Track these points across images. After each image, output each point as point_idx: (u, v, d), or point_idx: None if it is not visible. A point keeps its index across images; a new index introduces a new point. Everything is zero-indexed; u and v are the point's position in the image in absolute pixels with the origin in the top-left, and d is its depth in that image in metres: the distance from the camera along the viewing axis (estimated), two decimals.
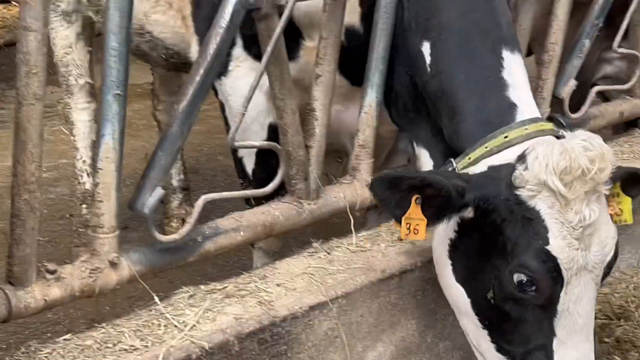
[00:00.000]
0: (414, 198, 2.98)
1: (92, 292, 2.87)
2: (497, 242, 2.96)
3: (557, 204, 2.87)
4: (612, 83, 4.82)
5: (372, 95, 3.50)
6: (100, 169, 2.84)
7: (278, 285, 3.21)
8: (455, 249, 3.13)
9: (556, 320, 2.92)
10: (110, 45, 2.73)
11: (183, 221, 4.80)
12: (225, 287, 3.16)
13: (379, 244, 3.53)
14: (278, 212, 3.37)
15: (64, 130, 6.24)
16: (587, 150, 2.86)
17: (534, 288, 2.88)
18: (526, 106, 3.21)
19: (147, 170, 2.98)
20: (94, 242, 2.89)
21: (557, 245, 2.86)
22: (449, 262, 3.15)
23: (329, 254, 3.43)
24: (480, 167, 3.09)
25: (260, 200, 3.52)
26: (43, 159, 2.69)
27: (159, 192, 2.96)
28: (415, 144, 3.47)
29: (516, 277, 2.89)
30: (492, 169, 3.05)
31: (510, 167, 2.97)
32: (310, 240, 3.52)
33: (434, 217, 3.02)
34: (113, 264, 2.89)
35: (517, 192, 2.90)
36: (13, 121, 2.63)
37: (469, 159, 3.12)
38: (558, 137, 3.03)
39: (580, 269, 2.89)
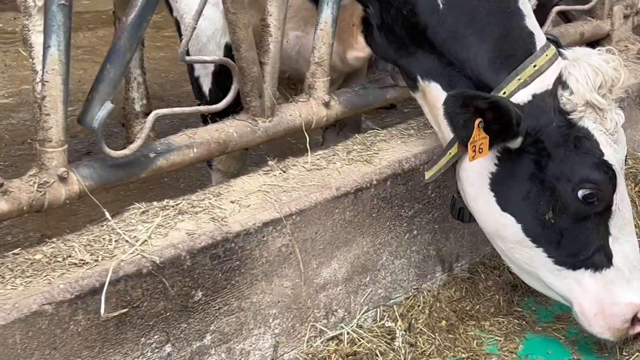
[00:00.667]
0: (477, 122, 3.06)
1: (40, 207, 2.83)
2: (552, 166, 3.16)
3: (597, 117, 3.13)
4: (573, 3, 4.77)
5: (327, 12, 3.43)
6: (46, 81, 2.78)
7: (232, 202, 3.18)
8: (498, 181, 3.25)
9: (610, 220, 3.21)
10: None
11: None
12: (178, 203, 3.13)
13: (335, 162, 3.50)
14: (232, 129, 3.32)
15: (25, 56, 6.14)
16: (608, 62, 3.13)
17: (596, 198, 3.14)
18: (539, 33, 3.33)
19: (96, 83, 2.93)
20: (42, 156, 2.84)
21: (609, 153, 3.14)
22: (492, 194, 3.26)
23: (284, 172, 3.40)
24: (521, 98, 3.17)
25: (216, 119, 3.47)
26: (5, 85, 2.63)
27: (108, 106, 2.91)
28: (419, 77, 3.40)
29: (581, 192, 3.13)
30: (536, 98, 3.18)
31: (552, 95, 3.15)
32: (266, 159, 3.49)
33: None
34: (62, 179, 2.85)
35: (569, 117, 3.11)
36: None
37: (504, 92, 3.18)
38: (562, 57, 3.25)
39: (620, 168, 3.21)
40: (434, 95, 3.35)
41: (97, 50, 6.95)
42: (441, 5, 3.24)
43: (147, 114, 5.67)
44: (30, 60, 5.00)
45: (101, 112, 2.90)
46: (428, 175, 3.37)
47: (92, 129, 2.92)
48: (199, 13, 2.94)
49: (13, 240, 3.90)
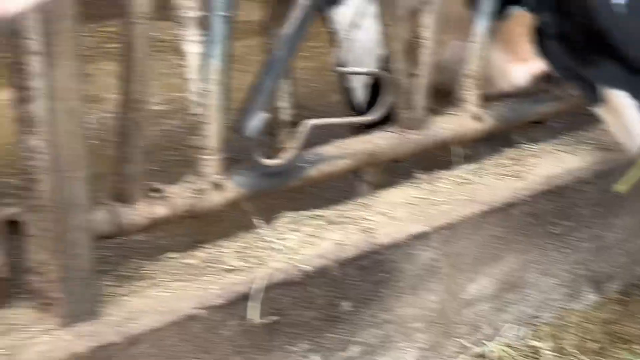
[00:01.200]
0: None
1: (196, 213, 2.90)
2: None
3: None
4: None
5: (481, 23, 3.40)
6: (206, 90, 2.86)
7: (380, 213, 3.19)
8: None
9: None
10: None
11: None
12: (327, 214, 3.16)
13: (484, 176, 3.46)
14: (382, 141, 3.33)
15: (178, 64, 6.30)
16: None
17: None
18: None
19: (252, 93, 2.99)
20: (198, 163, 2.91)
21: None
22: None
23: (432, 185, 3.38)
24: None
25: (365, 131, 3.48)
26: (158, 92, 2.73)
27: (263, 116, 2.96)
28: (602, 87, 3.31)
29: None
30: None
31: None
32: (413, 173, 3.47)
33: None
34: (217, 186, 2.92)
35: None
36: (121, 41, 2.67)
37: None
38: None
39: None
40: (619, 104, 3.25)
41: (247, 59, 7.06)
42: (624, 10, 3.14)
43: (294, 124, 5.74)
44: (184, 69, 5.12)
45: (256, 121, 2.95)
46: (621, 188, 3.26)
47: (247, 138, 2.97)
48: (355, 26, 2.97)
49: (165, 244, 3.99)
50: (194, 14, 4.84)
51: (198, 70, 5.13)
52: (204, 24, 5.00)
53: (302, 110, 6.32)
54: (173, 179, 2.95)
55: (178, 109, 6.26)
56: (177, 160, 5.37)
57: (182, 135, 5.77)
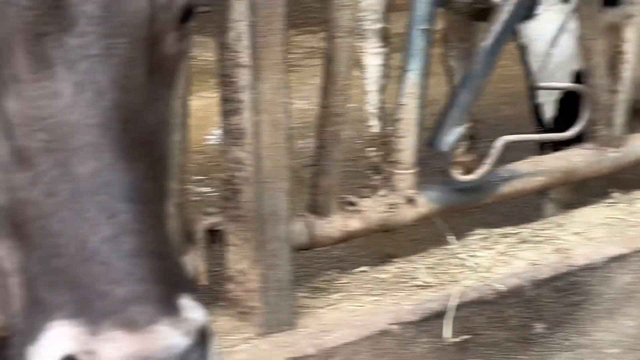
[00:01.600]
0: None
1: (388, 227, 2.91)
2: None
3: None
4: None
5: None
6: (402, 104, 2.85)
7: (575, 233, 3.10)
8: None
9: None
10: None
11: (468, 170, 4.76)
12: (520, 232, 3.10)
13: None
14: (578, 158, 3.24)
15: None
16: None
17: None
18: None
19: (447, 108, 2.96)
20: (392, 177, 2.91)
21: None
22: None
23: (630, 205, 3.26)
24: None
25: (556, 148, 3.40)
26: None
27: (458, 130, 2.93)
28: None
29: None
30: None
31: None
32: (607, 192, 3.36)
33: None
34: (410, 200, 2.91)
35: None
36: (324, 54, 2.70)
37: None
38: None
39: None
40: None
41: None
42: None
43: (470, 137, 5.69)
44: (363, 81, 5.17)
45: (451, 136, 2.93)
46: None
47: (441, 153, 2.95)
48: (554, 41, 2.91)
49: (357, 257, 4.00)
50: (377, 26, 4.91)
51: (376, 82, 5.20)
52: (383, 36, 5.06)
53: (476, 123, 6.27)
54: (347, 191, 2.96)
55: (352, 119, 6.30)
56: (352, 173, 5.41)
57: (355, 147, 5.82)
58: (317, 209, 2.79)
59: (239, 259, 2.58)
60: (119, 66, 1.35)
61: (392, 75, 5.20)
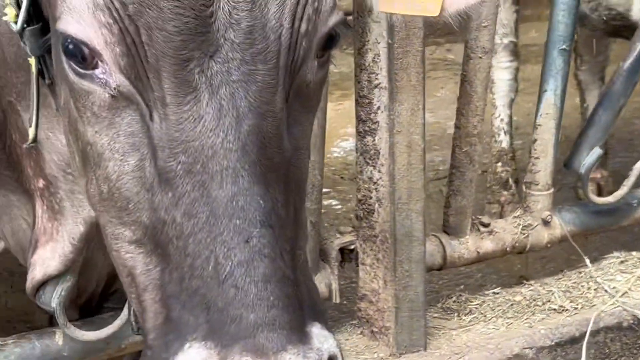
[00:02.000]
0: None
1: (522, 249, 2.88)
2: None
3: None
4: None
5: None
6: (539, 125, 2.84)
7: None
8: None
9: None
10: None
11: (598, 186, 4.66)
12: None
13: None
14: None
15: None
16: None
17: None
18: None
19: (586, 128, 2.92)
20: (527, 198, 2.89)
21: None
22: None
23: None
24: None
25: None
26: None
27: (597, 151, 2.89)
28: None
29: None
30: None
31: None
32: None
33: None
34: (545, 222, 2.88)
35: None
36: (460, 74, 2.69)
37: None
38: None
39: None
40: None
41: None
42: None
43: (605, 153, 5.55)
44: (491, 95, 5.12)
45: (589, 157, 2.89)
46: None
47: (578, 174, 2.91)
48: None
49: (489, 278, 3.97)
50: (507, 41, 4.87)
51: (504, 97, 5.15)
52: (513, 50, 5.00)
53: (609, 139, 6.12)
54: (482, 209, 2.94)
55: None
56: (478, 187, 5.35)
57: (482, 161, 5.76)
58: (450, 229, 2.79)
59: (371, 278, 2.60)
60: (259, 92, 1.39)
61: (521, 89, 5.17)
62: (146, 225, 1.45)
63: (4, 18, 1.61)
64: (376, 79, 2.44)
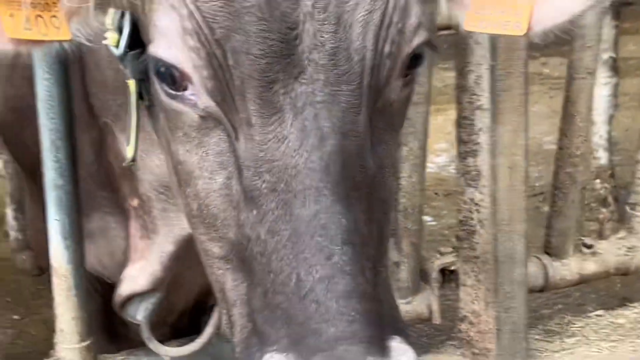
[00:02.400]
0: None
1: (626, 271, 2.86)
2: None
3: None
4: None
5: None
6: None
7: None
8: None
9: None
10: None
11: None
12: None
13: None
14: None
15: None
16: None
17: None
18: None
19: None
20: (632, 220, 2.87)
21: None
22: None
23: None
24: None
25: None
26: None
27: None
28: None
29: None
30: None
31: None
32: None
33: None
34: None
35: None
36: (564, 95, 2.69)
37: None
38: None
39: None
40: None
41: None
42: None
43: None
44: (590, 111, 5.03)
45: None
46: None
47: None
48: None
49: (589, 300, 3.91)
50: (606, 56, 4.80)
51: (604, 113, 5.08)
52: (612, 66, 4.93)
53: None
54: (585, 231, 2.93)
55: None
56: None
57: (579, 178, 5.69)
58: (552, 250, 2.78)
59: (472, 300, 2.61)
60: (342, 113, 1.42)
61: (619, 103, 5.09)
62: (232, 242, 1.49)
63: (105, 42, 1.66)
64: (478, 100, 2.45)
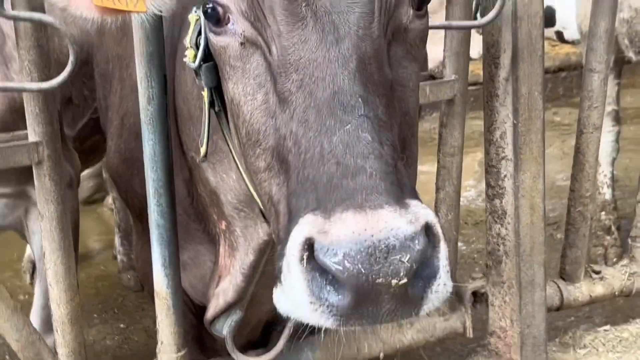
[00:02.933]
0: None
1: (629, 292, 2.81)
2: None
3: None
4: None
5: None
6: None
7: None
8: None
9: None
10: None
11: None
12: None
13: None
14: None
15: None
16: None
17: None
18: None
19: None
20: (633, 250, 2.82)
21: None
22: None
23: None
24: None
25: None
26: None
27: None
28: None
29: None
30: None
31: None
32: None
33: None
34: None
35: None
36: (574, 146, 2.67)
37: None
38: None
39: None
40: None
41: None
42: None
43: None
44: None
45: None
46: None
47: None
48: None
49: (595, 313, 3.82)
50: (610, 108, 4.75)
51: (608, 156, 5.01)
52: (616, 118, 4.87)
53: None
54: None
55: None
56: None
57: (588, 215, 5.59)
58: (566, 276, 2.75)
59: (499, 318, 2.59)
60: (356, 19, 1.42)
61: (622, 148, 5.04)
62: (273, 147, 1.46)
63: (184, 59, 1.70)
64: (503, 152, 2.44)
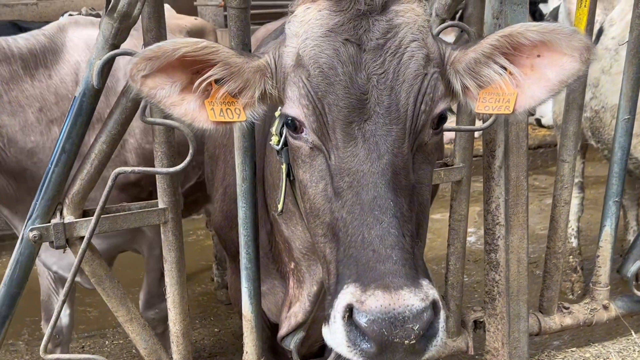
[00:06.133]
0: None
1: (590, 323, 2.74)
2: None
3: None
4: None
5: None
6: (600, 246, 2.71)
7: None
8: None
9: None
10: (619, 166, 2.59)
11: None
12: None
13: None
14: None
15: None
16: None
17: None
18: None
19: (631, 247, 2.76)
20: (593, 292, 2.76)
21: None
22: None
23: None
24: None
25: None
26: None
27: (638, 264, 2.72)
28: None
29: None
30: None
31: None
32: None
33: None
34: (605, 307, 2.73)
35: None
36: (550, 216, 2.63)
37: None
38: None
39: None
40: None
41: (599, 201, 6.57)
42: None
43: None
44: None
45: (633, 267, 2.73)
46: None
47: (626, 278, 2.75)
48: None
49: (564, 333, 3.70)
50: (577, 180, 4.65)
51: (575, 214, 4.89)
52: (581, 187, 4.76)
53: None
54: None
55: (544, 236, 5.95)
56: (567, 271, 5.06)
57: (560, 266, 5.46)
58: (544, 310, 2.70)
59: (494, 341, 2.54)
60: (393, 141, 1.44)
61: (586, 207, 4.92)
62: (328, 223, 1.49)
63: (270, 143, 1.73)
64: (497, 219, 2.42)
